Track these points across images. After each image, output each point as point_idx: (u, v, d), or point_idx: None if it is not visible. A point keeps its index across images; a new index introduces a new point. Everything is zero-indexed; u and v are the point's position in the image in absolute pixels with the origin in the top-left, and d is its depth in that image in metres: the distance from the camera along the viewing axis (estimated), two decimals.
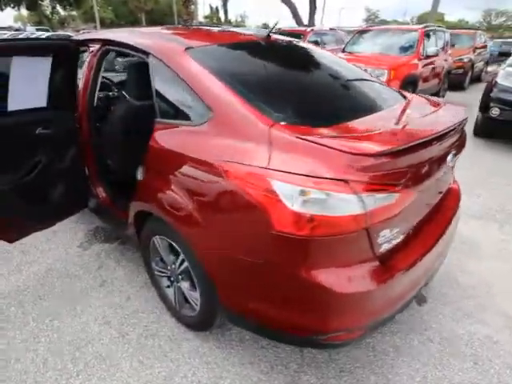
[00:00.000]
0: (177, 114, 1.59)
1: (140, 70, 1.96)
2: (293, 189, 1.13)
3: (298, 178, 1.13)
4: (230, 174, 1.25)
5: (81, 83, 2.14)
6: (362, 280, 1.22)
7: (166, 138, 1.55)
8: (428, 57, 6.09)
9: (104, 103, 2.48)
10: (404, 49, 6.18)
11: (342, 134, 1.30)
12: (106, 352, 1.69)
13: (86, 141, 2.12)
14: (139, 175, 2.09)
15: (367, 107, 1.62)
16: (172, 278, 1.79)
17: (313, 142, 1.17)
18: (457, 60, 8.31)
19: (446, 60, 7.06)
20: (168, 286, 1.87)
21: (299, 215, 1.13)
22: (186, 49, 1.60)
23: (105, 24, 34.76)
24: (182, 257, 1.61)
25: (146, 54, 1.69)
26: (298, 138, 1.20)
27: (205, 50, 1.69)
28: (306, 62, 2.02)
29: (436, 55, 6.25)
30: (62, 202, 2.00)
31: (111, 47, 2.02)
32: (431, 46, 6.21)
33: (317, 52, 2.17)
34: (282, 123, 1.28)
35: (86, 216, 2.30)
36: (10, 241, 1.93)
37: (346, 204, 1.11)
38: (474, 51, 9.28)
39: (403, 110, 1.68)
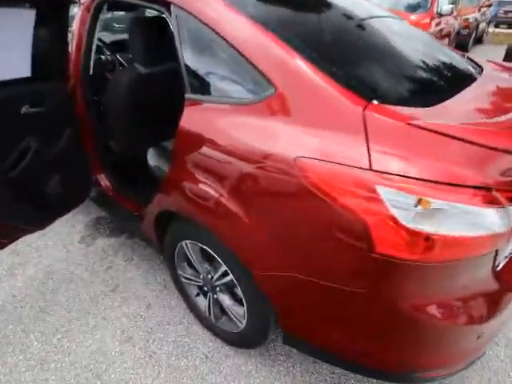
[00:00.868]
0: (217, 88, 1.21)
1: (152, 28, 1.53)
2: (406, 198, 0.82)
3: (414, 183, 0.81)
4: (308, 175, 0.91)
5: (71, 45, 1.68)
6: (483, 307, 0.95)
7: (204, 120, 1.16)
8: (441, 15, 5.62)
9: (98, 70, 2.02)
10: (414, 6, 5.66)
11: (465, 119, 0.97)
12: (132, 378, 1.42)
13: (82, 118, 1.70)
14: (154, 162, 1.72)
15: (458, 80, 1.28)
16: (206, 288, 1.49)
17: (435, 131, 0.84)
18: (464, 19, 7.83)
19: (456, 19, 6.60)
20: (198, 295, 1.58)
21: (414, 233, 0.82)
22: None
23: None
24: (223, 268, 1.31)
25: (166, 4, 1.25)
26: (409, 124, 0.87)
27: (258, 1, 1.27)
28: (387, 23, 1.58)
29: (450, 14, 5.78)
30: (60, 194, 1.59)
31: None
32: (445, 4, 5.71)
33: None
34: (378, 102, 0.94)
35: (83, 204, 1.95)
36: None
37: (485, 219, 0.82)
38: (480, 10, 8.77)
39: (494, 82, 1.35)
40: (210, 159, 1.14)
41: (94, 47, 1.72)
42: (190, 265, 1.51)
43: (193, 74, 1.22)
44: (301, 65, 0.99)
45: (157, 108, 1.68)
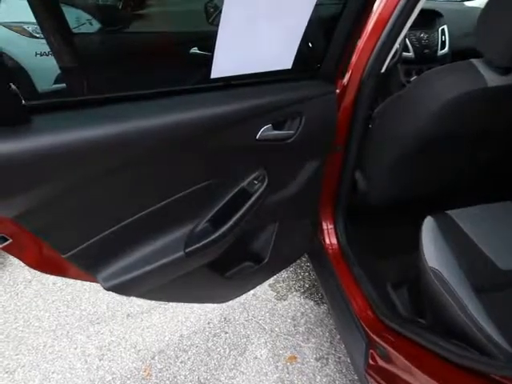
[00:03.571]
0: None
1: None
2: None
3: None
4: None
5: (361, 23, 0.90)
6: None
7: None
8: None
9: (395, 68, 1.48)
10: None
11: None
12: None
13: (337, 141, 1.08)
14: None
15: None
16: None
17: None
18: None
19: None
20: None
21: None
22: None
23: None
24: None
25: None
26: None
27: None
28: None
29: None
30: (275, 249, 1.17)
31: None
32: None
33: None
34: None
35: None
36: None
37: None
38: None
39: None
40: None
41: (403, 30, 0.96)
42: None
43: None
44: None
45: (489, 144, 1.12)
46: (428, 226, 1.05)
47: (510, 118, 1.02)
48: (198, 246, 0.84)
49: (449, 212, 1.09)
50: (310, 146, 0.99)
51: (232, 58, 0.74)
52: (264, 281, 1.32)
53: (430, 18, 1.52)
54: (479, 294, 0.89)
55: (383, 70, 1.02)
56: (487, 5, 0.81)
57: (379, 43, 0.96)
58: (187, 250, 0.84)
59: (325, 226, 1.30)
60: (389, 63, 1.02)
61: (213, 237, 0.86)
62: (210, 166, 0.85)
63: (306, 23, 0.77)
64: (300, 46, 0.82)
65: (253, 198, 0.92)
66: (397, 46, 0.98)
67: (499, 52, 0.81)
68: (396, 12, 0.91)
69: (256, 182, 0.93)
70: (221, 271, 1.07)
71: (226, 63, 0.73)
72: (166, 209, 0.81)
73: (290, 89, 0.87)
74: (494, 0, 0.80)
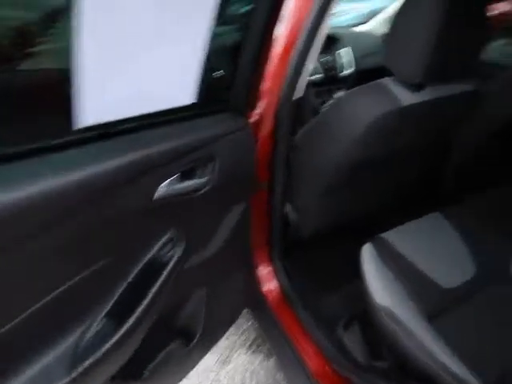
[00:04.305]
0: None
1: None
2: None
3: None
4: None
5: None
6: None
7: None
8: None
9: (312, 92, 1.42)
10: None
11: None
12: None
13: (261, 176, 0.97)
14: None
15: None
16: None
17: None
18: None
19: None
20: None
21: None
22: None
23: None
24: None
25: None
26: None
27: None
28: None
29: None
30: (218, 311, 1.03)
31: None
32: None
33: None
34: None
35: None
36: None
37: None
38: None
39: None
40: None
41: (314, 49, 0.86)
42: None
43: None
44: None
45: (412, 161, 1.11)
46: (367, 255, 0.97)
47: (429, 134, 1.01)
48: (90, 361, 0.59)
49: (384, 235, 1.03)
50: (229, 190, 0.83)
51: (103, 100, 0.54)
52: (202, 358, 1.09)
53: (329, 43, 1.56)
54: (432, 322, 0.83)
55: (299, 95, 0.92)
56: (394, 22, 0.77)
57: (290, 68, 0.85)
58: (73, 375, 0.57)
59: (262, 272, 1.15)
60: (304, 87, 0.94)
61: (114, 339, 0.62)
62: (100, 242, 0.62)
63: (203, 50, 0.63)
64: (204, 75, 0.67)
65: (167, 270, 0.71)
66: (309, 69, 0.90)
67: (409, 69, 0.77)
68: (302, 36, 0.83)
69: (167, 247, 0.72)
70: (136, 373, 0.81)
71: (94, 106, 0.53)
72: (44, 311, 0.56)
73: (194, 128, 0.71)
74: (399, 17, 0.76)
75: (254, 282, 1.14)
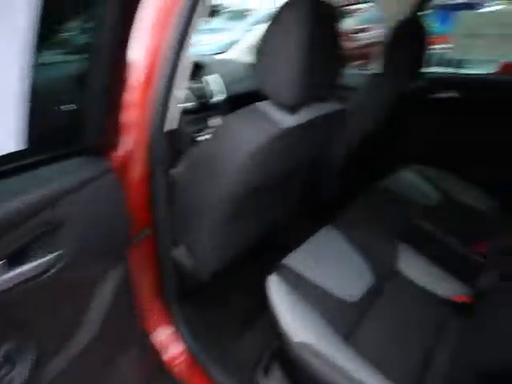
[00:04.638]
0: None
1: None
2: None
3: None
4: None
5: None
6: None
7: None
8: None
9: (185, 123, 1.34)
10: None
11: None
12: None
13: (141, 221, 0.83)
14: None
15: None
16: None
17: None
18: None
19: None
20: None
21: None
22: None
23: None
24: None
25: None
26: None
27: None
28: None
29: None
30: None
31: None
32: None
33: None
34: None
35: None
36: None
37: None
38: None
39: None
40: None
41: (180, 76, 0.77)
42: None
43: None
44: None
45: (296, 178, 1.10)
46: (274, 287, 0.91)
47: (310, 151, 1.02)
48: None
49: (285, 261, 1.00)
50: (96, 257, 0.64)
51: None
52: None
53: (196, 71, 1.51)
54: (349, 339, 0.82)
55: (173, 126, 0.81)
56: (260, 47, 0.73)
57: (157, 96, 0.74)
58: None
59: (161, 337, 0.96)
60: (177, 117, 0.84)
61: None
62: None
63: (25, 80, 0.47)
64: (34, 112, 0.50)
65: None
66: (178, 97, 0.80)
67: (283, 92, 0.74)
68: (164, 62, 0.73)
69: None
70: None
71: None
72: None
73: (24, 185, 0.50)
74: (266, 42, 0.72)
75: (153, 352, 0.94)
